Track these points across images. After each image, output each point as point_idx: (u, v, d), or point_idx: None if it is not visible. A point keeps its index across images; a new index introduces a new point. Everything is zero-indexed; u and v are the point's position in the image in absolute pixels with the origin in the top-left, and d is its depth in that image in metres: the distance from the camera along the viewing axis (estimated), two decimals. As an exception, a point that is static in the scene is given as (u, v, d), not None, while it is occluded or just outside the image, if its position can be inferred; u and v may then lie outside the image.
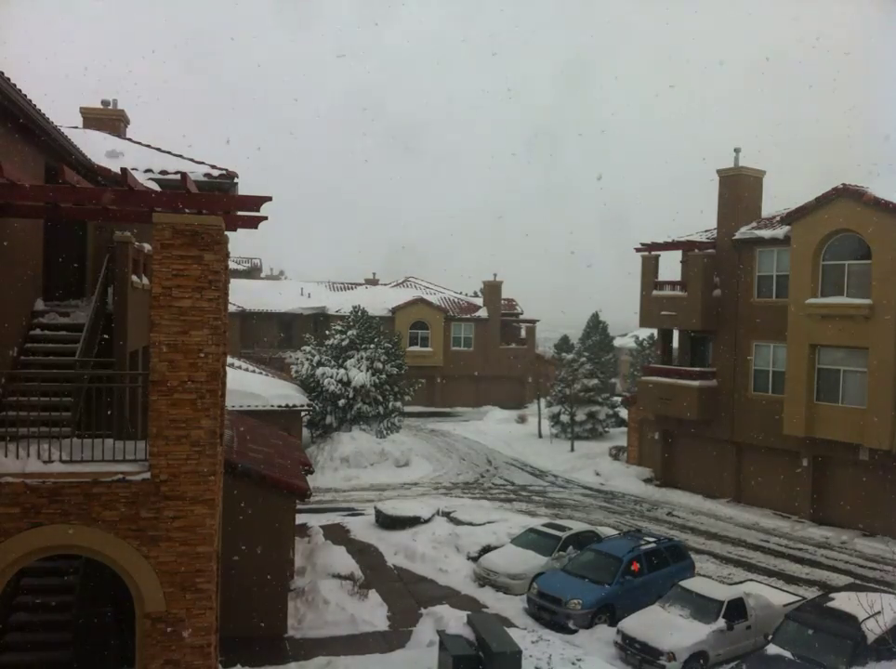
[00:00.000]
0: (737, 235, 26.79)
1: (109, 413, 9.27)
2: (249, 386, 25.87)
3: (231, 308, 39.64)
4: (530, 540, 18.66)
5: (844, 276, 23.34)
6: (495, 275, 52.78)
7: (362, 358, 33.09)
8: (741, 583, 16.91)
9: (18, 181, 8.62)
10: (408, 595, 17.21)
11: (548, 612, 15.78)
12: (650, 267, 29.49)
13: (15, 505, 7.90)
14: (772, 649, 12.80)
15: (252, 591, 13.94)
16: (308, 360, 33.97)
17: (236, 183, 14.74)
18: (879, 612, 12.11)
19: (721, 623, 14.08)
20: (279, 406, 26.06)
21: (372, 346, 33.61)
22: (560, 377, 39.59)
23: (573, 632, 15.23)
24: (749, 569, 19.80)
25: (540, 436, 39.20)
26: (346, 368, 32.76)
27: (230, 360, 21.31)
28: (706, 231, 29.11)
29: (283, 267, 67.46)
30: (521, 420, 43.58)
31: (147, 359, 9.05)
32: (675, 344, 31.29)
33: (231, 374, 17.20)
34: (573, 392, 37.83)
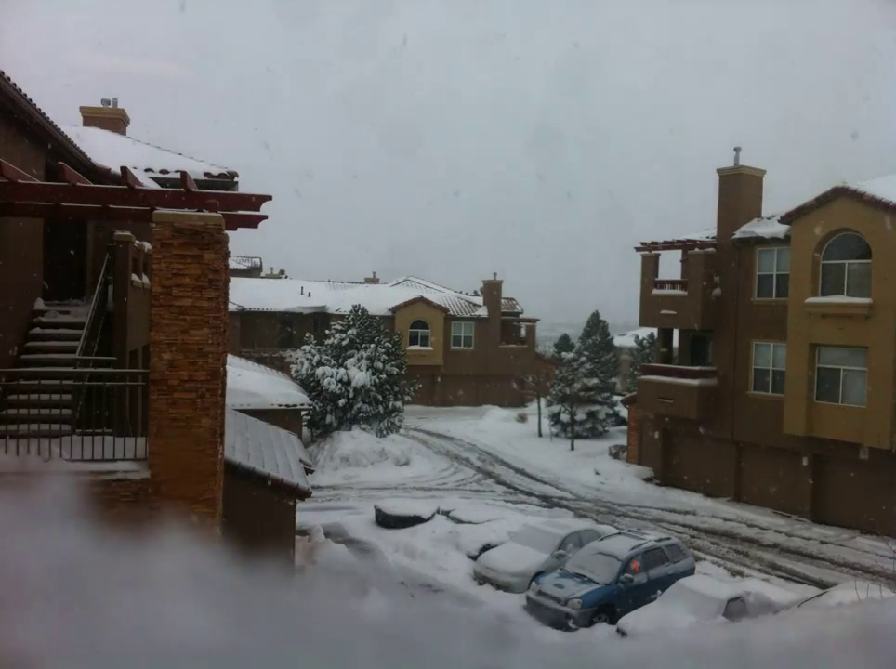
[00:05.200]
0: (737, 234, 26.78)
1: (108, 411, 9.27)
2: (249, 385, 25.87)
3: (232, 307, 39.57)
4: (529, 538, 18.68)
5: (844, 275, 23.34)
6: (495, 274, 52.76)
7: (362, 357, 33.10)
8: (741, 581, 16.93)
9: (18, 180, 8.62)
10: (408, 593, 17.22)
11: (548, 611, 15.80)
12: (650, 266, 29.49)
13: (15, 503, 7.89)
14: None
15: (252, 590, 13.93)
16: (308, 359, 33.97)
17: (236, 182, 14.75)
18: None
19: (721, 621, 14.09)
20: (279, 405, 26.06)
21: (372, 345, 33.61)
22: (560, 377, 39.60)
23: (573, 630, 15.25)
24: (749, 567, 19.82)
25: (540, 435, 39.20)
26: (346, 367, 32.76)
27: (230, 359, 21.29)
28: (706, 230, 29.12)
29: (283, 265, 67.27)
30: (521, 419, 43.58)
31: (147, 357, 9.05)
32: (675, 343, 31.30)
33: (232, 373, 17.20)
34: (573, 391, 37.83)
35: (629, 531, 19.35)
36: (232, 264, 35.82)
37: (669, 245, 29.42)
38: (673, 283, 29.25)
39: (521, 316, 55.47)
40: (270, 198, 8.93)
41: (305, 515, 21.26)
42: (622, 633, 14.34)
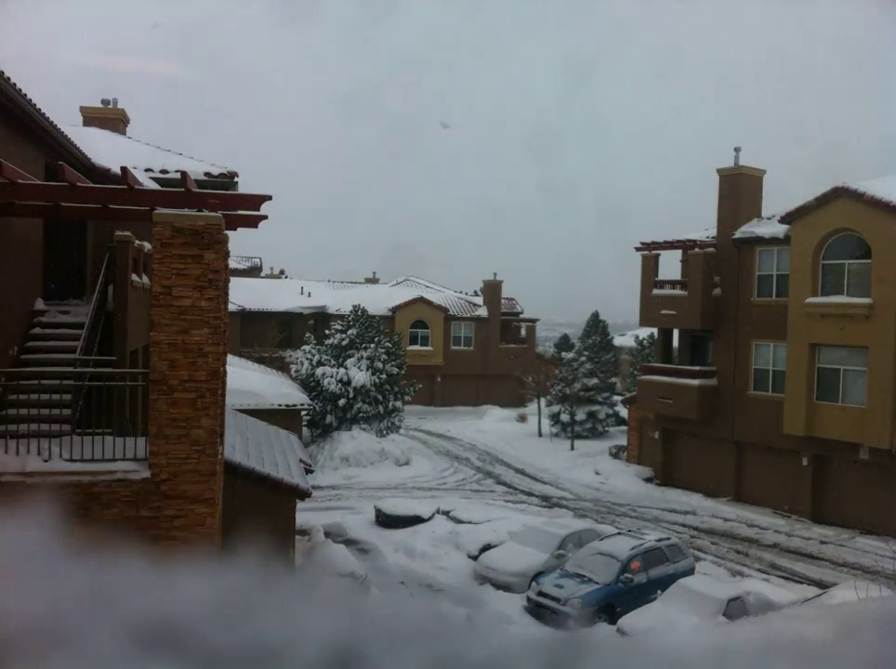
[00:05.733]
0: (737, 234, 26.78)
1: (108, 411, 9.28)
2: (250, 385, 25.85)
3: (232, 307, 39.49)
4: (529, 538, 18.67)
5: (844, 275, 23.34)
6: (495, 274, 52.73)
7: (362, 357, 33.10)
8: (741, 581, 16.93)
9: (18, 180, 8.62)
10: (408, 593, 17.22)
11: (548, 611, 15.80)
12: (650, 266, 29.48)
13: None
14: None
15: (252, 590, 13.91)
16: (308, 359, 33.97)
17: (236, 182, 14.74)
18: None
19: (721, 621, 14.09)
20: (279, 405, 26.03)
21: (372, 345, 33.62)
22: (560, 377, 39.59)
23: (573, 630, 15.24)
24: (749, 567, 19.82)
25: (540, 435, 39.20)
26: (346, 367, 32.77)
27: (230, 359, 21.27)
28: (706, 230, 29.12)
29: (283, 265, 67.27)
30: (521, 419, 43.57)
31: (147, 357, 9.06)
32: (675, 343, 31.30)
33: (232, 373, 17.20)
34: (573, 391, 37.83)
35: (629, 531, 19.35)
36: (232, 264, 35.83)
37: (669, 245, 29.42)
38: (673, 283, 29.25)
39: (521, 316, 55.45)
40: (270, 198, 8.94)
41: (305, 515, 21.26)
42: (622, 633, 14.34)
